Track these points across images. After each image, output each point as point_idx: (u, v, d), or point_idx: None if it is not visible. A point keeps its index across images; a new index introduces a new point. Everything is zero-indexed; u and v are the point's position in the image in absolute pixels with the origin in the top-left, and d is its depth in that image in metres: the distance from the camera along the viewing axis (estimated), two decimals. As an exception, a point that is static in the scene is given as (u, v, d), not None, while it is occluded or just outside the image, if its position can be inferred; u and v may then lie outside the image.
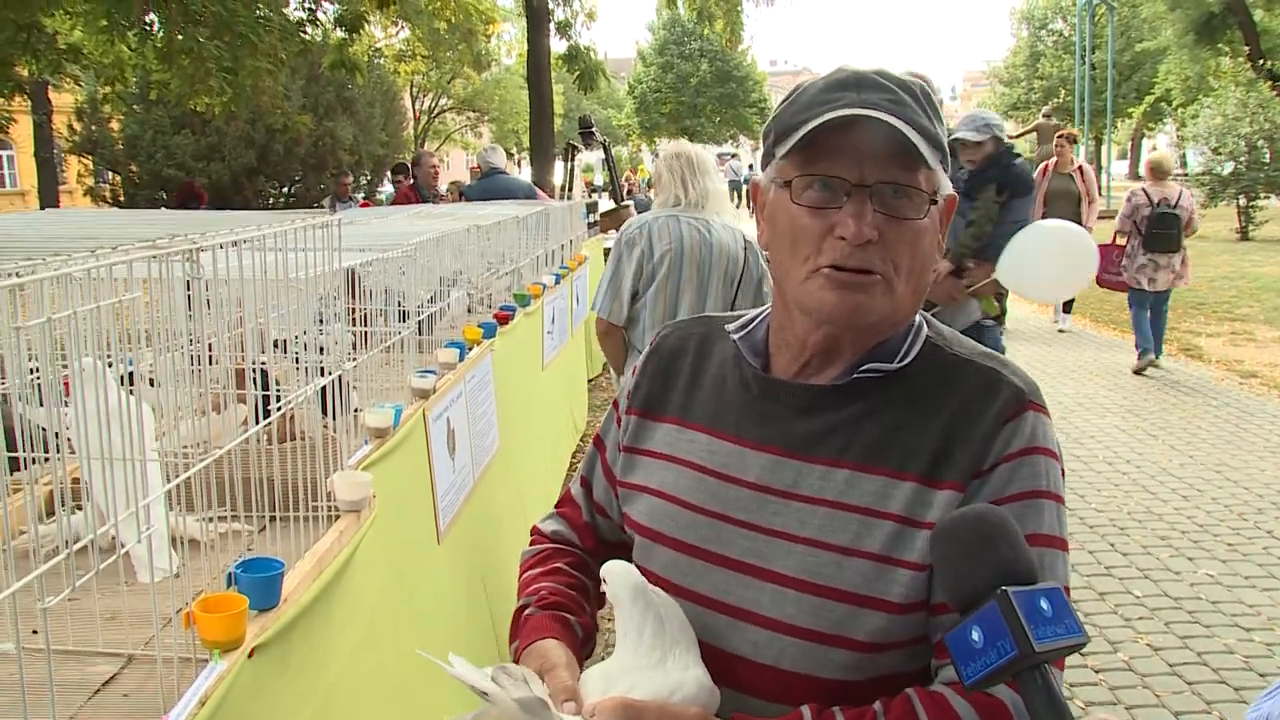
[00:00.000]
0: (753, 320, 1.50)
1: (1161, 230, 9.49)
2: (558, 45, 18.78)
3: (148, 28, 12.54)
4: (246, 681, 1.54)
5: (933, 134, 1.29)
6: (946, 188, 1.35)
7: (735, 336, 1.47)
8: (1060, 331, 12.39)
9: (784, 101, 1.38)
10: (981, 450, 1.29)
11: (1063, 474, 1.35)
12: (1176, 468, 6.96)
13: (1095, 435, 7.74)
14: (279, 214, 1.95)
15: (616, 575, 1.33)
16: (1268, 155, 21.76)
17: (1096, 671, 4.22)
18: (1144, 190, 9.86)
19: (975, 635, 1.03)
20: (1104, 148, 35.11)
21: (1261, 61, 28.61)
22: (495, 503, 4.38)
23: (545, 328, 6.15)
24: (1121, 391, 9.25)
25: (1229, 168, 22.16)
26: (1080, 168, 11.41)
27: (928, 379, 1.36)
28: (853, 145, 1.27)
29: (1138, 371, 9.79)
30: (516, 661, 1.41)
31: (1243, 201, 22.23)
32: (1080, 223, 10.39)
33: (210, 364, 2.34)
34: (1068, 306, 12.60)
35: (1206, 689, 4.09)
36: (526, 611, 1.47)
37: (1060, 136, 11.83)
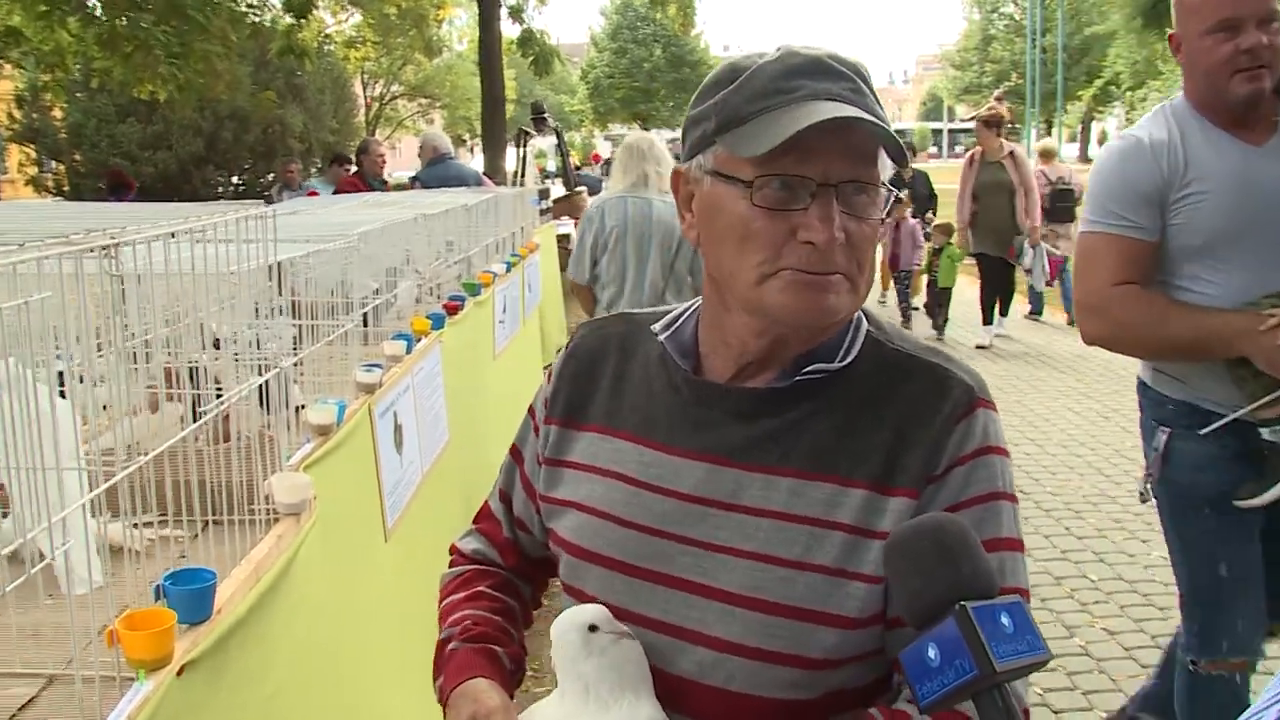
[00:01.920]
0: (679, 318, 1.39)
1: (1061, 204, 11.00)
2: (510, 30, 18.61)
3: (89, 13, 12.26)
4: (175, 702, 1.46)
5: (887, 122, 1.21)
6: (887, 172, 1.26)
7: (661, 336, 1.36)
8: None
9: (725, 85, 1.24)
10: (934, 453, 1.21)
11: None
12: (1129, 449, 6.98)
13: (1049, 418, 7.76)
14: (207, 205, 1.87)
15: (563, 621, 1.25)
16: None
17: (1053, 657, 4.21)
18: (1042, 171, 11.14)
19: (931, 653, 0.96)
20: (1055, 130, 35.42)
21: (1208, 45, 28.93)
22: (445, 496, 4.30)
23: (496, 317, 6.07)
24: (1075, 374, 9.31)
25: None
26: (1012, 153, 10.01)
27: (872, 378, 1.27)
28: (821, 143, 1.16)
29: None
30: (444, 702, 1.33)
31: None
32: (1014, 218, 9.84)
33: (146, 361, 2.25)
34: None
35: (1162, 672, 4.10)
36: (450, 646, 1.38)
37: (978, 121, 10.42)
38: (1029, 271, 10.18)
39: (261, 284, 2.45)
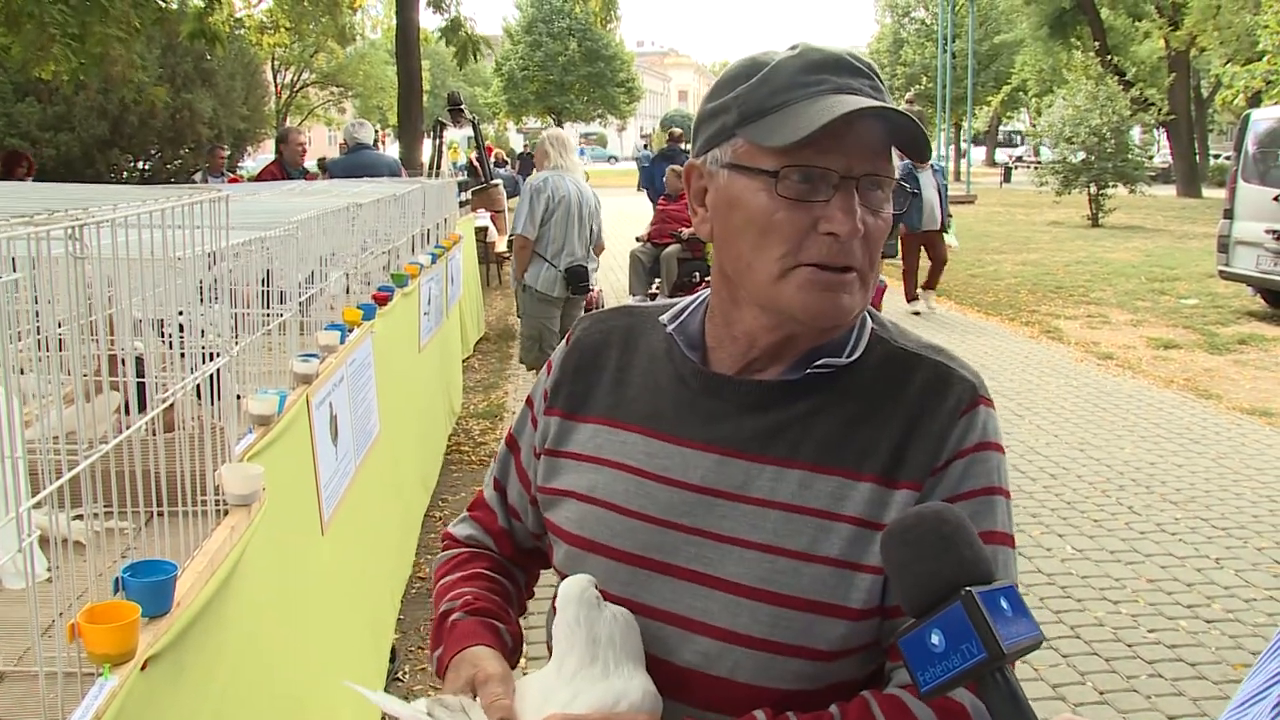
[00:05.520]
0: (685, 310, 1.40)
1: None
2: (428, 20, 18.39)
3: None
4: (140, 697, 1.41)
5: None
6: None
7: (670, 328, 1.37)
8: (915, 314, 12.35)
9: (744, 80, 1.25)
10: (938, 446, 1.24)
11: None
12: (1043, 446, 7.19)
13: (965, 415, 7.90)
14: (146, 188, 1.81)
15: (569, 585, 1.23)
16: (1113, 146, 22.69)
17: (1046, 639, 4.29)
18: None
19: (935, 639, 0.97)
20: (963, 133, 36.13)
21: (1109, 57, 29.88)
22: (376, 490, 4.24)
23: (421, 309, 6.00)
24: (987, 373, 9.49)
25: (1080, 157, 23.06)
26: None
27: (878, 373, 1.29)
28: (843, 136, 1.18)
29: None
30: (443, 671, 1.31)
31: (1093, 189, 23.16)
32: None
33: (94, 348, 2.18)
34: (931, 282, 12.48)
35: (1080, 661, 4.22)
36: (453, 617, 1.36)
37: None
38: None
39: (205, 270, 2.39)
